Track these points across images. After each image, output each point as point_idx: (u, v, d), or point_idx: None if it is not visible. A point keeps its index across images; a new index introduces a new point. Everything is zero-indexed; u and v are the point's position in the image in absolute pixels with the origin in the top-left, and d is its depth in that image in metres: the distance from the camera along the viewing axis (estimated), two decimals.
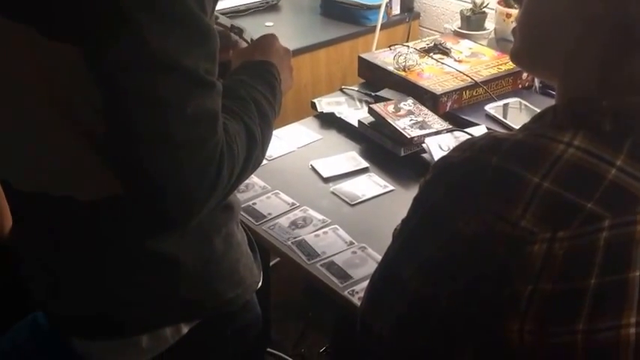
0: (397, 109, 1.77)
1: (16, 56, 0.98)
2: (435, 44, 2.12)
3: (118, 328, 1.14)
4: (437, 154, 1.62)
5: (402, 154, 1.70)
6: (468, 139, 0.88)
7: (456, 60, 2.04)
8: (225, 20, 1.37)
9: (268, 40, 1.26)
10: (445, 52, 2.09)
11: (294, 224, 1.50)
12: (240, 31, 1.36)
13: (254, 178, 1.65)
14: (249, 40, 1.35)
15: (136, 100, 0.90)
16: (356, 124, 1.84)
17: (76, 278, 1.12)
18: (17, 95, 1.02)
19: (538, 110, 1.50)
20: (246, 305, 1.25)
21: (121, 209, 1.02)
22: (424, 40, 2.19)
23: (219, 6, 2.55)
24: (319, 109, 1.95)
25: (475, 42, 2.20)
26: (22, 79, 0.99)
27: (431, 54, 2.07)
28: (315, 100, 1.99)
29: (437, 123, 1.72)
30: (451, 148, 1.62)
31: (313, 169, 1.69)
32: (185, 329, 1.16)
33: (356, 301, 1.29)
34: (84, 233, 1.09)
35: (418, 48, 2.10)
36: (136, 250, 1.08)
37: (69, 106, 0.98)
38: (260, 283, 1.28)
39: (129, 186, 0.96)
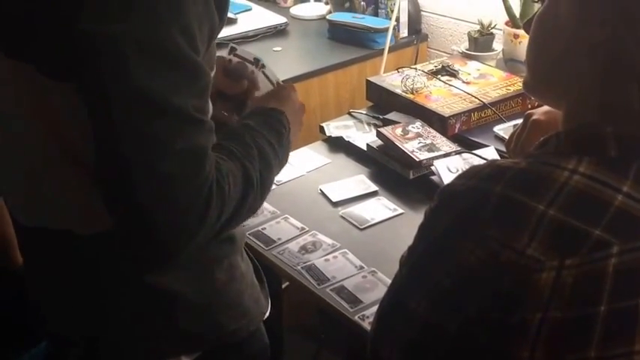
0: (405, 132, 1.77)
1: (17, 93, 0.99)
2: (442, 66, 2.12)
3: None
4: (446, 177, 1.62)
5: (411, 177, 1.69)
6: (472, 167, 0.88)
7: (464, 82, 2.05)
8: (243, 52, 1.37)
9: (287, 90, 1.27)
10: (453, 73, 2.09)
11: (303, 249, 1.50)
12: (257, 61, 1.36)
13: (264, 204, 1.64)
14: (269, 75, 1.35)
15: (125, 136, 0.90)
16: (364, 147, 1.84)
17: (77, 310, 1.13)
18: (18, 131, 1.03)
19: None
20: (252, 336, 1.24)
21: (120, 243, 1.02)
22: (432, 62, 2.20)
23: (230, 32, 2.58)
24: (328, 134, 1.95)
25: (483, 63, 2.21)
26: (23, 116, 1.01)
27: (439, 76, 2.08)
28: (323, 125, 1.99)
29: (445, 145, 1.72)
30: (460, 170, 1.63)
31: (322, 193, 1.69)
32: None
33: (366, 325, 1.28)
34: (84, 267, 1.09)
35: (426, 70, 2.10)
36: (134, 283, 1.09)
37: (68, 142, 0.99)
38: (267, 314, 1.28)
39: (118, 218, 0.96)
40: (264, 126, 1.14)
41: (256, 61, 1.36)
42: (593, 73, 0.85)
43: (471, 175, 0.86)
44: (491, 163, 0.86)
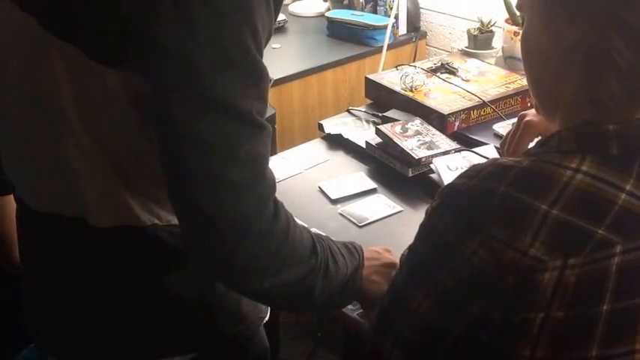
0: (405, 130, 1.77)
1: (58, 76, 0.96)
2: (442, 64, 2.11)
3: (113, 359, 1.13)
4: (445, 175, 1.61)
5: (410, 174, 1.69)
6: (474, 166, 0.87)
7: (463, 79, 2.04)
8: None
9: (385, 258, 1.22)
10: (452, 71, 2.08)
11: None
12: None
13: None
14: None
15: (189, 140, 0.90)
16: (363, 145, 1.83)
17: (74, 307, 1.12)
18: (52, 119, 1.00)
19: None
20: (251, 340, 1.23)
21: (130, 241, 1.01)
22: (431, 59, 2.19)
23: None
24: (326, 131, 1.94)
25: (483, 61, 2.20)
26: (58, 103, 0.98)
27: (438, 74, 2.07)
28: (322, 122, 1.98)
29: (445, 143, 1.72)
30: (459, 168, 1.63)
31: (321, 190, 1.69)
32: None
33: (366, 322, 1.27)
34: (88, 259, 1.08)
35: (425, 68, 2.09)
36: (137, 281, 1.08)
37: (103, 132, 0.98)
38: (266, 318, 1.27)
39: (184, 221, 0.96)
40: (341, 245, 1.15)
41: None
42: (576, 74, 0.85)
43: (472, 174, 0.85)
44: (492, 162, 0.86)
